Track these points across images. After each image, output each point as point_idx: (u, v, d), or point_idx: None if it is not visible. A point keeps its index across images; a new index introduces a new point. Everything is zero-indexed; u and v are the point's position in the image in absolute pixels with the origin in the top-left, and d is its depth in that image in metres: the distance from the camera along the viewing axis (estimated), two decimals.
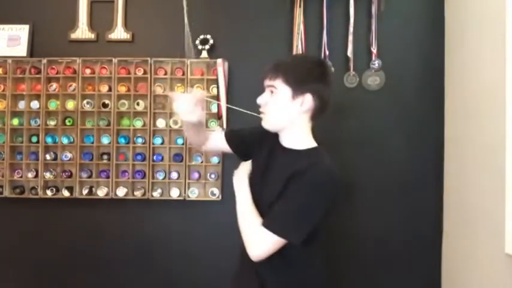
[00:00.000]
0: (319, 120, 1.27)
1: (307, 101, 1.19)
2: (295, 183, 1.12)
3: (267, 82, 1.22)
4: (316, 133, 1.28)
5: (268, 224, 1.11)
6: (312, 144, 1.26)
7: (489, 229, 1.75)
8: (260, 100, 1.24)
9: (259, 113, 1.27)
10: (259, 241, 1.11)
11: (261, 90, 1.26)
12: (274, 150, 1.28)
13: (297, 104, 1.19)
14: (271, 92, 1.21)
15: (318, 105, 1.21)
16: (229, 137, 1.47)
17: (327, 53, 2.29)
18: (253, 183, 1.25)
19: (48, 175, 2.35)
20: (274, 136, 1.29)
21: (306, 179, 1.11)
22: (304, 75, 1.19)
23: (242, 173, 1.29)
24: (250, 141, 1.39)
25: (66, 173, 2.37)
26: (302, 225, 1.11)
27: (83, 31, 2.43)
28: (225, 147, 1.47)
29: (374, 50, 2.27)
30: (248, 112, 1.43)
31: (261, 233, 1.11)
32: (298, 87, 1.18)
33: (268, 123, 1.25)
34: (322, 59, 1.39)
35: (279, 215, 1.12)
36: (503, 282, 1.64)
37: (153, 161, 2.36)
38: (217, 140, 1.49)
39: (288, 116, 1.21)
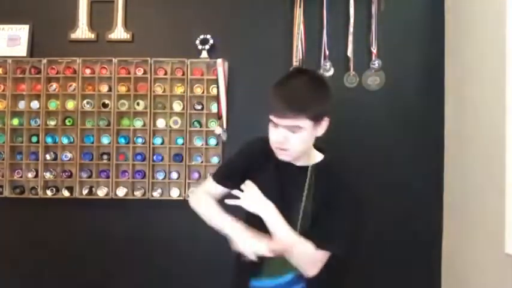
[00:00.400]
0: None
1: (325, 123, 1.19)
2: (333, 204, 1.18)
3: (289, 122, 1.13)
4: None
5: (324, 247, 1.16)
6: (319, 154, 1.28)
7: (489, 229, 1.74)
8: (280, 139, 1.15)
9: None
10: (319, 263, 1.18)
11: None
12: (282, 167, 1.24)
13: (316, 131, 1.18)
14: (293, 130, 1.14)
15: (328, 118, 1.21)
16: (231, 185, 1.30)
17: (327, 53, 2.29)
18: (273, 201, 1.21)
19: (48, 175, 2.35)
20: (267, 152, 1.25)
21: (340, 199, 1.19)
22: (321, 105, 1.16)
23: (258, 195, 1.19)
24: (247, 167, 1.30)
25: (66, 173, 2.37)
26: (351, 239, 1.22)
27: (83, 31, 2.43)
28: (227, 191, 1.34)
29: (374, 50, 2.27)
30: None
31: (320, 255, 1.17)
32: (319, 117, 1.16)
33: (291, 157, 1.21)
34: (320, 74, 1.34)
35: (334, 236, 1.18)
36: (503, 282, 1.64)
37: (153, 161, 2.36)
38: (218, 196, 1.36)
39: (309, 145, 1.21)
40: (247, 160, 1.31)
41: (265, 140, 1.23)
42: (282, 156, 1.20)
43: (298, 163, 1.24)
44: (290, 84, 1.17)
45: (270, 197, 1.20)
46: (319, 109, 1.15)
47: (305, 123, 1.12)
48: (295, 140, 1.15)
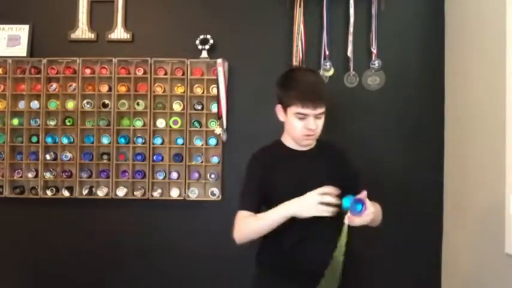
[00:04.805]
0: None
1: None
2: (347, 164, 1.57)
3: (318, 111, 1.39)
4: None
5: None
6: None
7: (489, 229, 1.75)
8: (313, 126, 1.39)
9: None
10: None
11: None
12: (289, 158, 1.49)
13: None
14: (319, 117, 1.41)
15: None
16: (259, 206, 1.44)
17: (327, 53, 2.29)
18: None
19: (48, 175, 2.35)
20: (268, 157, 1.51)
21: (347, 156, 1.59)
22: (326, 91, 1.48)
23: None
24: (262, 175, 1.46)
25: (66, 173, 2.37)
26: None
27: (83, 31, 2.43)
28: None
29: (374, 50, 2.27)
30: None
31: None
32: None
33: (314, 139, 1.49)
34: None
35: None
36: (503, 282, 1.64)
37: (153, 161, 2.36)
38: None
39: None
40: (260, 168, 1.48)
41: (261, 150, 1.53)
42: (308, 141, 1.46)
43: (300, 148, 1.50)
44: (309, 81, 1.43)
45: (299, 182, 1.38)
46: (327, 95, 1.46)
47: (324, 108, 1.41)
48: (320, 123, 1.43)
